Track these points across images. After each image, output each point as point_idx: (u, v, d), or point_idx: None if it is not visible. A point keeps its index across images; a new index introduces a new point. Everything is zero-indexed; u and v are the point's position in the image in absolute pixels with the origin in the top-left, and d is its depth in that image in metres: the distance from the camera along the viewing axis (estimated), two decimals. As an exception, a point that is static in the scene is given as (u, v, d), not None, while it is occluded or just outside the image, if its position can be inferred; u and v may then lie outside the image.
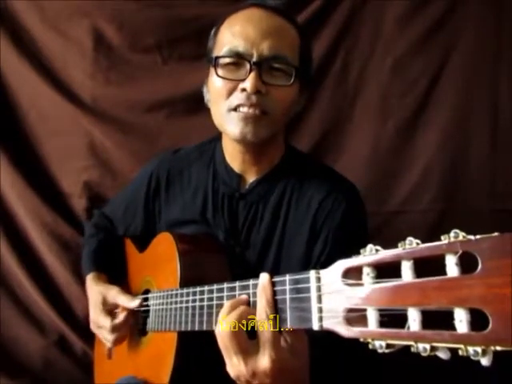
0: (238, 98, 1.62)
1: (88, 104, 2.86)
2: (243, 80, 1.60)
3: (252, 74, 1.57)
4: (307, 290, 1.05)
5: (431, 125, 2.76)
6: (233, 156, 1.83)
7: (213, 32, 1.78)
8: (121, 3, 2.81)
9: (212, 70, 1.69)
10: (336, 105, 2.85)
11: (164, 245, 1.79)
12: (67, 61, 2.87)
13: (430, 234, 2.68)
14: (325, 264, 1.65)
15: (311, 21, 2.78)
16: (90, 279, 2.06)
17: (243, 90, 1.60)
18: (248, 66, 1.59)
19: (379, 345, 0.86)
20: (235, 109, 1.63)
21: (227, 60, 1.64)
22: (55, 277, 2.84)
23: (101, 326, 1.89)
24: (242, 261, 1.78)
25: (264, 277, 1.17)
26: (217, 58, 1.66)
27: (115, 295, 1.87)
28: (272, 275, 1.18)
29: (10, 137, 2.83)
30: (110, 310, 1.90)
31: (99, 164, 2.88)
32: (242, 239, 1.80)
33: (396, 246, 0.88)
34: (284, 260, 1.75)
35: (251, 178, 1.82)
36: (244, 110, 1.61)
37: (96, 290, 1.96)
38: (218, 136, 1.94)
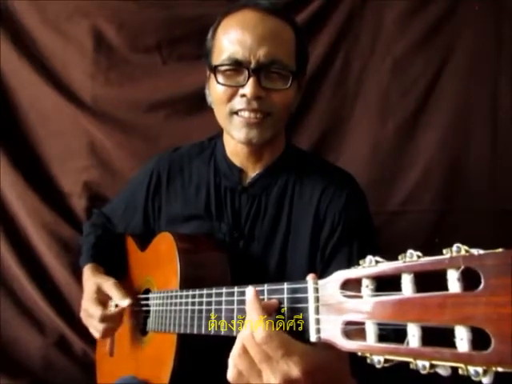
0: (238, 102, 1.67)
1: (88, 104, 2.86)
2: (243, 86, 1.64)
3: (251, 81, 1.62)
4: (305, 300, 1.04)
5: (431, 125, 2.76)
6: (235, 152, 1.87)
7: (210, 34, 1.82)
8: (121, 3, 2.80)
9: (212, 75, 1.73)
10: (336, 105, 2.84)
11: (164, 245, 1.80)
12: (67, 61, 2.86)
13: (430, 234, 2.71)
14: (335, 248, 1.71)
15: (311, 21, 2.77)
16: (86, 270, 2.06)
17: (243, 95, 1.64)
18: (246, 72, 1.63)
19: (377, 360, 0.84)
20: (237, 112, 1.68)
21: (226, 66, 1.68)
22: (55, 277, 2.84)
23: (91, 314, 1.88)
24: (246, 254, 1.81)
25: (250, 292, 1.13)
26: (216, 66, 1.69)
27: (110, 287, 1.86)
28: (275, 280, 1.17)
29: (10, 137, 2.82)
30: (103, 300, 1.89)
31: (99, 164, 2.87)
32: (246, 232, 1.83)
33: (396, 254, 0.88)
34: (290, 251, 1.78)
35: (253, 173, 1.87)
36: (245, 114, 1.66)
37: (92, 281, 1.96)
38: (217, 134, 1.99)
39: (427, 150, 2.75)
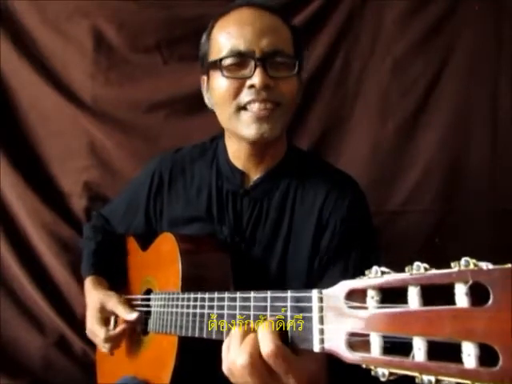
0: (246, 95, 1.64)
1: (88, 104, 2.85)
2: (250, 77, 1.62)
3: (258, 70, 1.60)
4: (309, 309, 1.03)
5: (431, 125, 2.76)
6: (237, 154, 1.85)
7: (204, 39, 1.82)
8: (121, 3, 2.80)
9: (214, 73, 1.71)
10: (336, 105, 2.84)
11: (166, 246, 1.79)
12: (67, 61, 2.86)
13: (430, 234, 2.72)
14: (334, 257, 1.71)
15: (311, 21, 2.77)
16: (88, 282, 2.06)
17: (251, 86, 1.62)
18: (252, 63, 1.61)
19: (382, 373, 0.84)
20: (245, 107, 1.65)
21: (230, 61, 1.65)
22: (55, 277, 2.84)
23: (96, 335, 1.91)
24: (247, 257, 1.80)
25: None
26: (221, 59, 1.66)
27: (114, 305, 1.87)
28: (275, 284, 1.18)
29: (10, 137, 2.82)
30: (107, 318, 1.92)
31: (99, 164, 2.87)
32: (247, 235, 1.82)
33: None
34: (291, 255, 1.77)
35: (255, 176, 1.85)
36: (255, 106, 1.63)
37: (95, 296, 1.97)
38: (219, 135, 1.97)
39: (427, 150, 2.76)
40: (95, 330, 1.90)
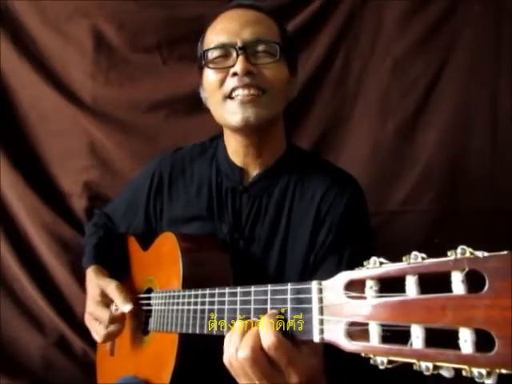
0: (231, 82, 1.69)
1: (88, 104, 2.86)
2: (232, 66, 1.67)
3: (240, 58, 1.66)
4: (309, 300, 1.04)
5: (431, 125, 2.75)
6: (236, 150, 1.87)
7: (200, 41, 1.88)
8: (121, 3, 2.81)
9: (204, 70, 1.78)
10: (336, 105, 2.84)
11: (167, 245, 1.79)
12: (67, 61, 2.87)
13: (430, 234, 2.70)
14: (329, 252, 1.71)
15: (311, 21, 2.78)
16: (89, 272, 2.04)
17: (234, 74, 1.67)
18: (234, 53, 1.68)
19: (381, 361, 0.85)
20: (230, 95, 1.69)
21: (215, 53, 1.72)
22: (55, 277, 2.84)
23: (97, 317, 1.87)
24: (246, 254, 1.81)
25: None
26: (205, 51, 1.74)
27: (113, 290, 1.84)
28: (274, 281, 1.18)
29: (10, 137, 2.83)
30: (108, 303, 1.88)
31: (99, 164, 2.87)
32: (247, 232, 1.83)
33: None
34: (289, 252, 1.78)
35: (254, 172, 1.86)
36: (239, 92, 1.68)
37: (95, 283, 1.95)
38: (218, 134, 1.98)
39: (427, 149, 2.75)
40: (95, 312, 1.87)
